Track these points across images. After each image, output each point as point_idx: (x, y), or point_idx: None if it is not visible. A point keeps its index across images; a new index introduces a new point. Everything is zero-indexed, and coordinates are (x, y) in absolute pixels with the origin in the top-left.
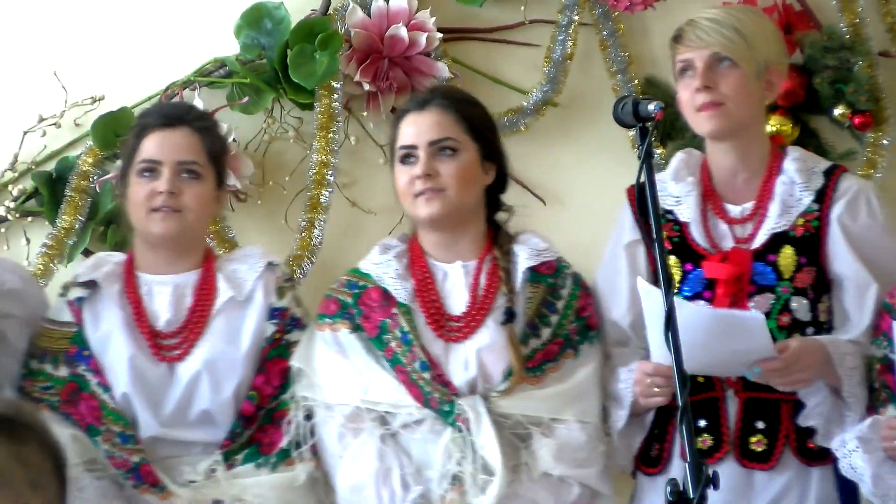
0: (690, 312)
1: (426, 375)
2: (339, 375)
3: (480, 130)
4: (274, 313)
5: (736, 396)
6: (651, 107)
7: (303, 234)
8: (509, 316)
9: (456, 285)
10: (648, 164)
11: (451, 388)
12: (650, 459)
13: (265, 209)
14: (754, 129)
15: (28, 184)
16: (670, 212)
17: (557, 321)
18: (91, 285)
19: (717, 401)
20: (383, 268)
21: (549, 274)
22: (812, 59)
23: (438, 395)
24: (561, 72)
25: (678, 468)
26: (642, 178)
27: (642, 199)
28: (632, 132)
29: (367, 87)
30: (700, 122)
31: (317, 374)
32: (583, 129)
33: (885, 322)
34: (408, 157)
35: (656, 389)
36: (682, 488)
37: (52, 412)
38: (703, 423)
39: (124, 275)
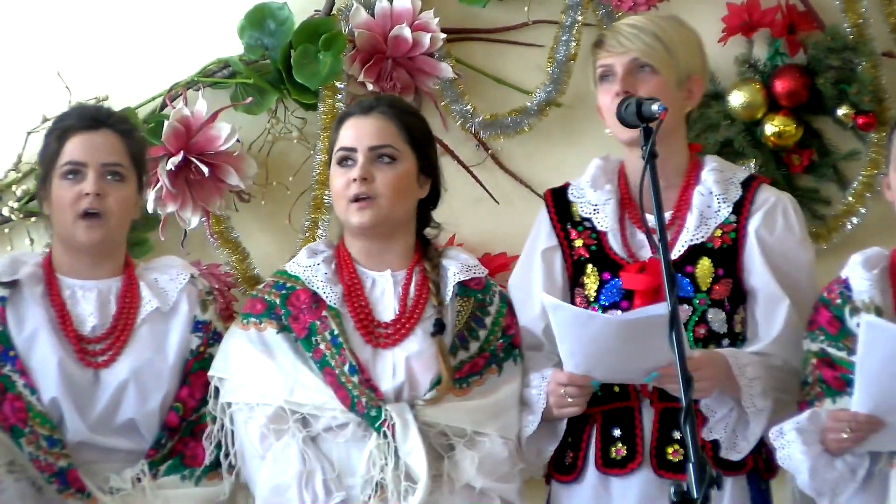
0: (603, 322)
1: (354, 379)
2: (262, 375)
3: (421, 143)
4: (198, 326)
5: (651, 407)
6: (654, 107)
7: (306, 235)
8: (440, 327)
9: (385, 293)
10: (652, 164)
11: (378, 393)
12: (564, 467)
13: (269, 209)
14: (673, 137)
15: (31, 184)
16: (588, 219)
17: (485, 336)
18: (12, 285)
19: (632, 410)
20: (312, 271)
21: (477, 290)
22: (815, 60)
23: (366, 400)
24: (564, 72)
25: (593, 476)
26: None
27: (559, 204)
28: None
29: (370, 87)
30: (618, 130)
31: (237, 376)
32: (586, 130)
33: (821, 316)
34: (346, 159)
35: (570, 399)
36: (685, 489)
37: None
38: (617, 432)
39: (45, 276)
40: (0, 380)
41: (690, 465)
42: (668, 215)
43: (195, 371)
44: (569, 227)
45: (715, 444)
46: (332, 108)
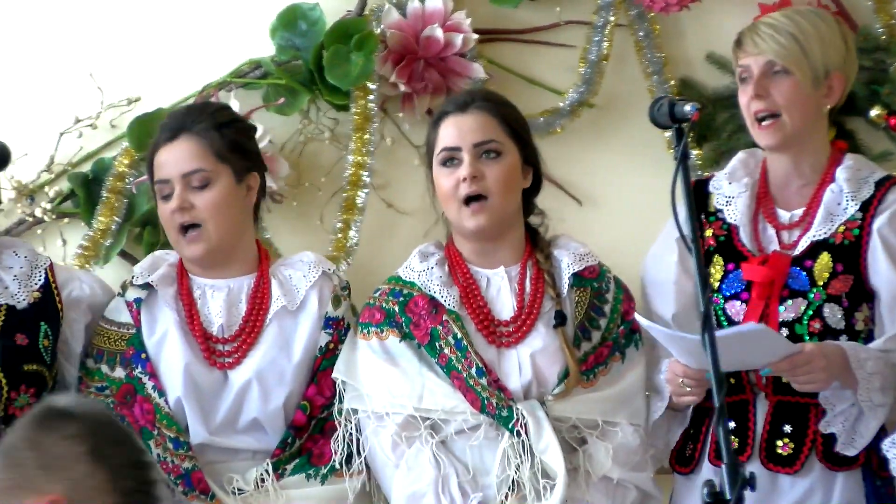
0: (691, 342)
1: (482, 381)
2: (389, 384)
3: (520, 133)
4: (329, 323)
5: (766, 399)
6: (687, 108)
7: (338, 236)
8: (561, 319)
9: (501, 291)
10: (684, 165)
11: (507, 392)
12: (684, 459)
13: (301, 210)
14: (811, 137)
15: (64, 185)
16: (721, 210)
17: (605, 325)
18: (148, 287)
19: (747, 403)
20: (427, 275)
21: (593, 278)
22: None
23: (496, 401)
24: (596, 73)
25: (707, 470)
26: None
27: (698, 194)
28: (668, 133)
29: (402, 88)
30: (758, 136)
31: (364, 385)
32: (618, 131)
33: None
34: (451, 159)
35: (688, 389)
36: (718, 489)
37: None
38: (731, 424)
39: (178, 277)
40: (131, 382)
41: (724, 466)
42: (799, 212)
43: (324, 369)
44: (703, 217)
45: (827, 439)
46: (364, 109)
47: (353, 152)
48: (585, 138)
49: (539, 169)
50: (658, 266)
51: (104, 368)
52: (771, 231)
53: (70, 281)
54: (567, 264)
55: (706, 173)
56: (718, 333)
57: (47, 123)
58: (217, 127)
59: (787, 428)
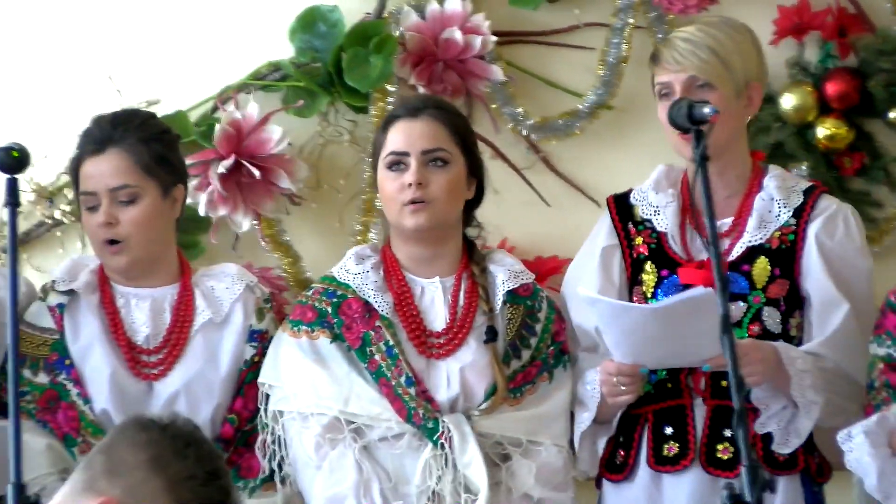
0: (639, 312)
1: (411, 391)
2: (316, 384)
3: (468, 144)
4: (253, 336)
5: (704, 404)
6: (706, 110)
7: (357, 238)
8: (492, 335)
9: (434, 301)
10: (703, 167)
11: (434, 404)
12: (615, 466)
13: (320, 213)
14: (734, 148)
15: None
16: (648, 220)
17: (536, 344)
18: (70, 292)
19: (684, 408)
20: (362, 278)
21: (526, 296)
22: (866, 62)
23: (423, 412)
24: (615, 75)
25: (645, 475)
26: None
27: (620, 207)
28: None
29: (421, 90)
30: (683, 148)
31: (289, 384)
32: (637, 133)
33: (888, 320)
34: (397, 163)
35: (622, 388)
36: (738, 492)
37: (28, 419)
38: (669, 430)
39: (99, 284)
40: (55, 388)
41: (744, 468)
42: (728, 221)
43: (249, 381)
44: (630, 226)
45: (766, 443)
46: (383, 111)
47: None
48: (604, 140)
49: (482, 181)
50: (578, 279)
51: (26, 373)
52: (700, 240)
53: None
54: (502, 280)
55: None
56: (666, 301)
57: (66, 126)
58: (145, 140)
59: (727, 432)
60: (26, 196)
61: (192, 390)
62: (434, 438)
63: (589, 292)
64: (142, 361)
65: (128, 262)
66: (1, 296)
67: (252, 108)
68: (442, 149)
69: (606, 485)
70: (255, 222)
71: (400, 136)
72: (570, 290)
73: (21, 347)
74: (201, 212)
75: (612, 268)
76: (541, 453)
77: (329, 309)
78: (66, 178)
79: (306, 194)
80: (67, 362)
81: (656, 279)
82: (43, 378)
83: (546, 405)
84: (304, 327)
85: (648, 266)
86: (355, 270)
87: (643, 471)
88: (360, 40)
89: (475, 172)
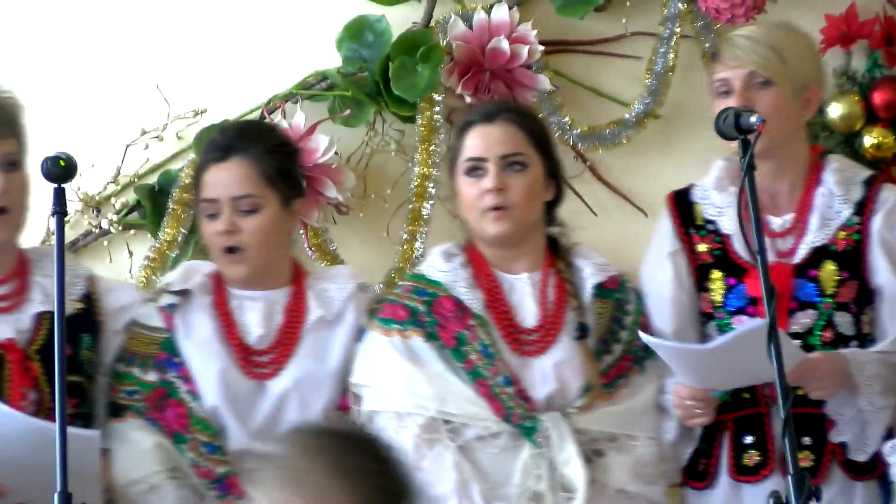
0: (699, 353)
1: (509, 390)
2: (411, 384)
3: (545, 146)
4: (364, 334)
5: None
6: (753, 119)
7: (404, 247)
8: (583, 331)
9: (524, 297)
10: (751, 175)
11: (532, 403)
12: (697, 474)
13: (367, 222)
14: (792, 146)
15: (131, 197)
16: (712, 222)
17: (626, 337)
18: (183, 294)
19: (762, 416)
20: (452, 276)
21: (614, 289)
22: None
23: (521, 411)
24: (662, 84)
25: (725, 483)
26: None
27: (681, 207)
28: (734, 144)
29: (468, 99)
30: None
31: (383, 384)
32: (684, 141)
33: None
34: (475, 169)
35: (697, 411)
36: (784, 500)
37: (138, 417)
38: (749, 439)
39: (214, 287)
40: (164, 385)
41: (789, 476)
42: (790, 217)
43: None
44: (691, 231)
45: (845, 449)
46: (430, 121)
47: (419, 164)
48: (651, 149)
49: (561, 182)
50: (653, 283)
51: (136, 371)
52: (765, 240)
53: (110, 292)
54: (589, 273)
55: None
56: (721, 340)
57: (114, 135)
58: (269, 151)
59: (807, 440)
60: (73, 205)
61: (302, 388)
62: (532, 438)
63: (649, 338)
64: (253, 361)
65: (246, 272)
66: (117, 307)
67: (299, 117)
68: (519, 153)
69: (688, 491)
70: (301, 231)
71: (477, 142)
72: (646, 291)
73: (130, 347)
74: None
75: (682, 273)
76: (636, 448)
77: (422, 307)
78: (113, 188)
79: (353, 203)
80: (177, 360)
81: (725, 287)
82: (153, 376)
83: (639, 397)
84: (395, 326)
85: (715, 274)
86: (444, 267)
87: (724, 479)
88: (407, 50)
89: (553, 173)
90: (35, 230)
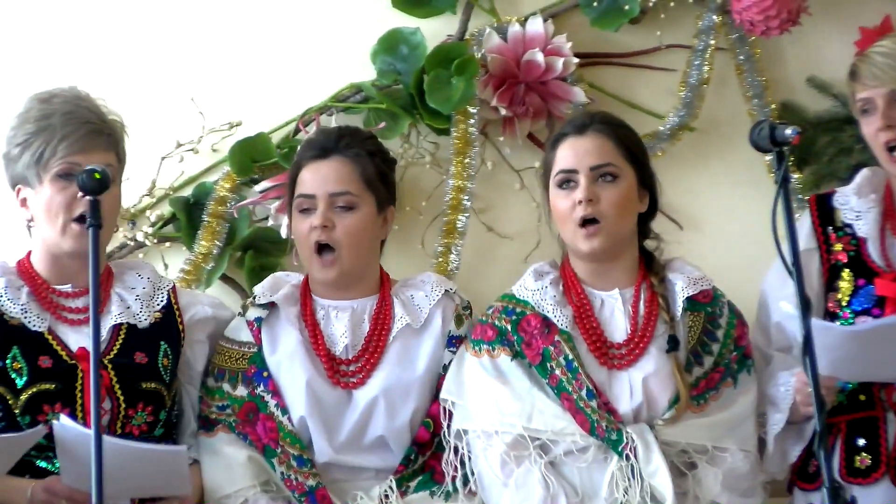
0: (839, 334)
1: (593, 403)
2: (499, 402)
3: (638, 157)
4: (452, 341)
5: (895, 417)
6: (788, 131)
7: (439, 259)
8: (674, 344)
9: (614, 312)
10: (785, 188)
11: (617, 416)
12: (807, 475)
13: (402, 234)
14: None
15: (166, 209)
16: (849, 225)
17: (718, 350)
18: (269, 306)
19: (877, 420)
20: (541, 294)
21: (706, 303)
22: None
23: (605, 424)
24: (697, 96)
25: None
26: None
27: (822, 208)
28: (768, 157)
29: (503, 111)
30: (889, 165)
31: (473, 402)
32: (719, 154)
33: None
34: (567, 181)
35: None
36: None
37: (230, 432)
38: (861, 441)
39: (301, 297)
40: (254, 400)
41: (825, 489)
42: None
43: None
44: (829, 230)
45: None
46: (465, 133)
47: (454, 176)
48: (686, 162)
49: (655, 192)
50: (779, 279)
51: (226, 387)
52: None
53: (193, 304)
54: (681, 287)
55: (827, 189)
56: (866, 325)
57: (149, 148)
58: (369, 154)
59: None
60: None
61: (390, 395)
62: (618, 450)
63: (790, 307)
64: (341, 371)
65: (337, 275)
66: (200, 318)
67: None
68: (610, 163)
69: (797, 492)
70: None
71: (568, 154)
72: (772, 290)
73: (219, 362)
74: (283, 234)
75: (811, 271)
76: (727, 459)
77: (508, 326)
78: (148, 200)
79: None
80: (265, 374)
81: (852, 288)
82: (242, 391)
83: (731, 410)
84: (484, 346)
85: (846, 274)
86: (533, 287)
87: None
88: (441, 62)
89: (646, 184)
90: None
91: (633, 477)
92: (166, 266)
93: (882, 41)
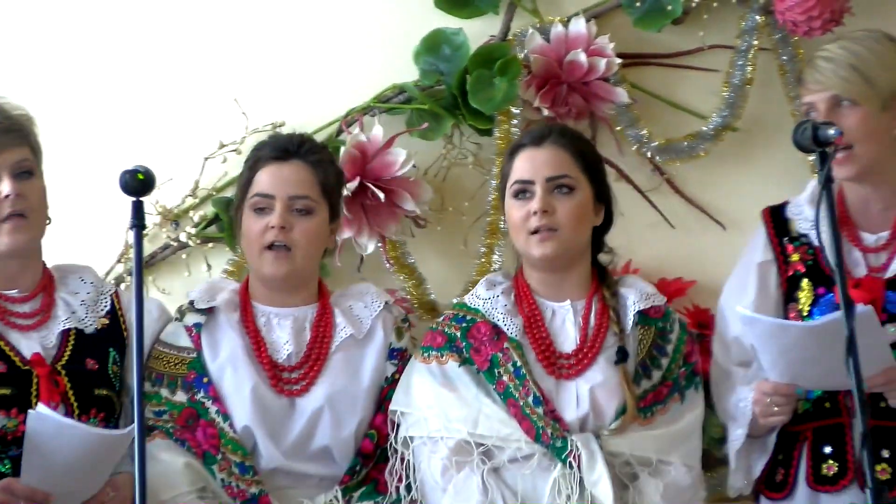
0: (797, 330)
1: (539, 410)
2: (445, 408)
3: (594, 170)
4: (394, 353)
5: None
6: (831, 131)
7: (482, 260)
8: (623, 355)
9: (565, 323)
10: (828, 188)
11: (563, 424)
12: (775, 484)
13: (444, 235)
14: (888, 162)
15: (209, 210)
16: (805, 235)
17: (667, 364)
18: (208, 312)
19: (843, 427)
20: (492, 303)
21: (657, 318)
22: None
23: (551, 431)
24: (740, 97)
25: (804, 494)
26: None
27: (776, 220)
28: (811, 157)
29: (545, 112)
30: (833, 169)
31: (420, 409)
32: (762, 154)
33: None
34: (523, 191)
35: (776, 409)
36: None
37: (166, 438)
38: (828, 449)
39: (241, 303)
40: (193, 406)
41: (868, 490)
42: (885, 234)
43: (390, 398)
44: (786, 241)
45: None
46: (508, 134)
47: (497, 177)
48: (728, 162)
49: (611, 206)
50: (735, 293)
51: (164, 392)
52: (857, 254)
53: (132, 308)
54: (633, 301)
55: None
56: (823, 319)
57: (192, 148)
58: (328, 162)
59: (885, 453)
60: (152, 219)
61: (335, 405)
62: (563, 457)
63: (746, 311)
64: (283, 378)
65: (288, 272)
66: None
67: (377, 130)
68: (566, 175)
69: (765, 502)
70: (379, 244)
71: (525, 164)
72: (729, 303)
73: (157, 367)
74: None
75: (769, 283)
76: (669, 472)
77: (458, 333)
78: (191, 201)
79: (431, 216)
80: (205, 380)
81: (812, 297)
82: (181, 397)
83: (677, 425)
84: (433, 352)
85: (805, 283)
86: (485, 296)
87: (802, 490)
88: (484, 63)
89: (602, 198)
90: (113, 244)
91: (576, 485)
92: (209, 267)
93: (827, 46)
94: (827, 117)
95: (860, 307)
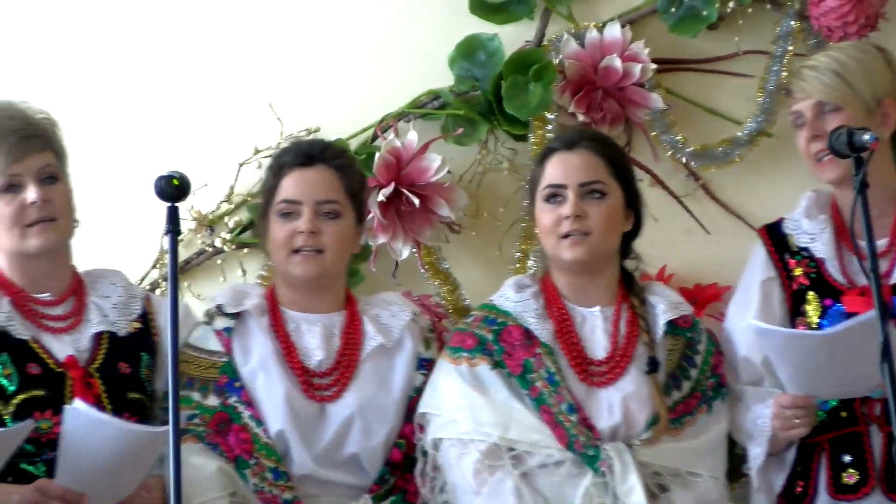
0: (812, 340)
1: (573, 418)
2: (475, 410)
3: (625, 176)
4: (422, 364)
5: (880, 431)
6: (866, 137)
7: (517, 266)
8: (654, 366)
9: (595, 330)
10: (863, 194)
11: (596, 432)
12: (794, 497)
13: (479, 240)
14: (875, 168)
15: (244, 215)
16: (805, 248)
17: (696, 376)
18: (237, 316)
19: (861, 435)
20: (522, 306)
21: (686, 328)
22: None
23: (584, 439)
24: (775, 102)
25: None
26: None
27: (774, 237)
28: (839, 172)
29: (581, 117)
30: (820, 174)
31: (448, 411)
32: (797, 160)
33: None
34: (554, 196)
35: (797, 421)
36: None
37: (199, 442)
38: (847, 458)
39: (270, 308)
40: (226, 410)
41: None
42: (884, 242)
43: None
44: (787, 257)
45: None
46: (543, 139)
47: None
48: (763, 167)
49: (640, 213)
50: (741, 313)
51: (195, 396)
52: (857, 264)
53: (162, 311)
54: (662, 311)
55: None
56: (837, 327)
57: (227, 154)
58: (352, 167)
59: None
60: (187, 224)
61: (366, 414)
62: (595, 466)
63: (761, 323)
64: (314, 384)
65: (318, 273)
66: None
67: (412, 136)
68: (598, 181)
69: None
70: (414, 250)
71: (556, 169)
72: (734, 324)
73: (188, 370)
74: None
75: (773, 300)
76: (699, 485)
77: (489, 336)
78: (226, 206)
79: (465, 222)
80: (237, 384)
81: (821, 309)
82: (213, 401)
83: (705, 436)
84: (464, 354)
85: (811, 296)
86: (515, 298)
87: (823, 500)
88: (519, 68)
89: (632, 204)
90: (148, 249)
91: (607, 494)
92: (244, 272)
93: (815, 55)
94: (813, 124)
95: (871, 313)
